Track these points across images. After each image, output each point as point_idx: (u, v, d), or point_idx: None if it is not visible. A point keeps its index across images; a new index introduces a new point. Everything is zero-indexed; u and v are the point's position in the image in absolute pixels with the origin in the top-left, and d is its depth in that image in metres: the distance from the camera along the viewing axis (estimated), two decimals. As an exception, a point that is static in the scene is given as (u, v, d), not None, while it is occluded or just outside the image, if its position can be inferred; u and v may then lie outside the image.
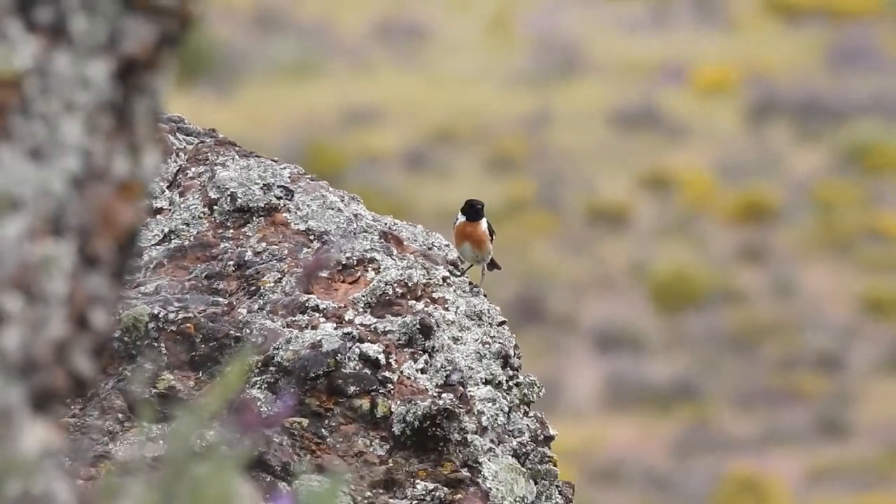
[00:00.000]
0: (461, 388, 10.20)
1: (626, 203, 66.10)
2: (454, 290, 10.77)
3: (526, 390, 10.84)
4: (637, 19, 74.06)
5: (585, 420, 56.52)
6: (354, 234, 10.89)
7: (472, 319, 10.65)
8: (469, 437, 10.12)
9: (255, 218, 10.88)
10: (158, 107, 6.16)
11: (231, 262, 10.79)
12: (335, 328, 10.23)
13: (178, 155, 11.12)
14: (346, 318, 10.31)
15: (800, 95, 71.68)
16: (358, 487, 10.00)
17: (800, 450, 57.80)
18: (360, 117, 66.42)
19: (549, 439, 10.80)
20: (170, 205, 10.95)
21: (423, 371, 10.22)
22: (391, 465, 10.07)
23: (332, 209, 11.14)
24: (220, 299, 10.58)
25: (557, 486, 10.89)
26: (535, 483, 10.52)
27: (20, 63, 5.72)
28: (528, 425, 10.60)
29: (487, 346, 10.56)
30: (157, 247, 10.84)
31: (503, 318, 11.16)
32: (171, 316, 10.35)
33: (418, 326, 10.38)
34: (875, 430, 57.00)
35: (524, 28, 70.60)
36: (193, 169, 11.14)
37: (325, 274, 10.56)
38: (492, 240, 11.76)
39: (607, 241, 63.63)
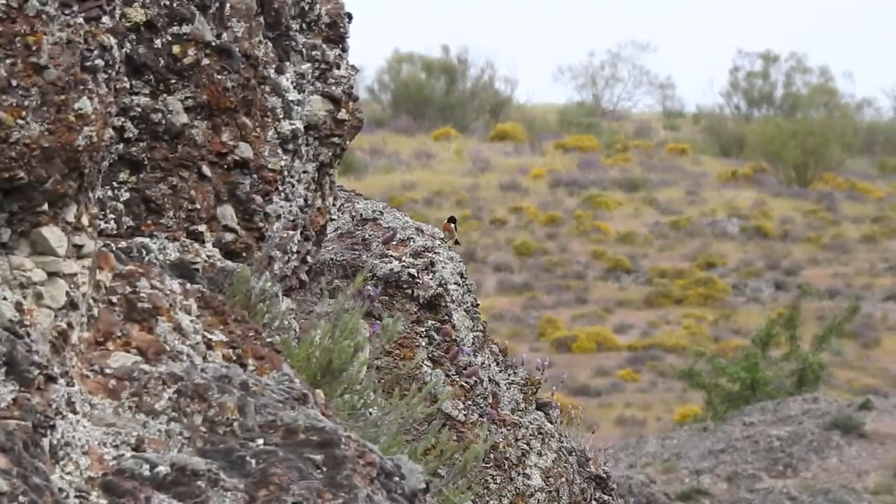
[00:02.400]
0: (445, 288, 13.57)
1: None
2: (443, 249, 14.13)
3: (472, 288, 14.29)
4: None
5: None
6: (404, 227, 14.08)
7: (450, 260, 14.06)
8: (449, 305, 13.56)
9: (368, 222, 14.06)
10: (334, 181, 10.43)
11: (359, 240, 13.73)
12: (399, 263, 13.53)
13: (338, 198, 13.01)
14: (403, 259, 13.58)
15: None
16: (406, 323, 12.75)
17: None
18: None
19: (477, 305, 14.22)
20: (336, 219, 13.32)
21: (431, 279, 13.51)
22: (419, 315, 13.32)
23: (397, 218, 14.40)
24: (355, 252, 13.48)
25: (492, 340, 14.41)
26: (476, 326, 13.79)
27: (282, 164, 9.34)
28: (470, 301, 13.89)
29: (458, 270, 14.03)
30: (331, 234, 12.75)
31: (462, 260, 14.39)
32: (338, 258, 13.21)
33: (430, 262, 13.76)
34: None
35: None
36: (346, 204, 14.04)
37: (394, 243, 13.70)
38: (456, 229, 15.38)
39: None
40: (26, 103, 7.36)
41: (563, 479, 12.83)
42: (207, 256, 8.46)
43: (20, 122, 7.34)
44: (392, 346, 11.54)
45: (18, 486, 6.61)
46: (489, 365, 13.44)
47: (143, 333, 7.71)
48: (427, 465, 8.64)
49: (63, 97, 7.48)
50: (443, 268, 13.62)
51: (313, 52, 9.63)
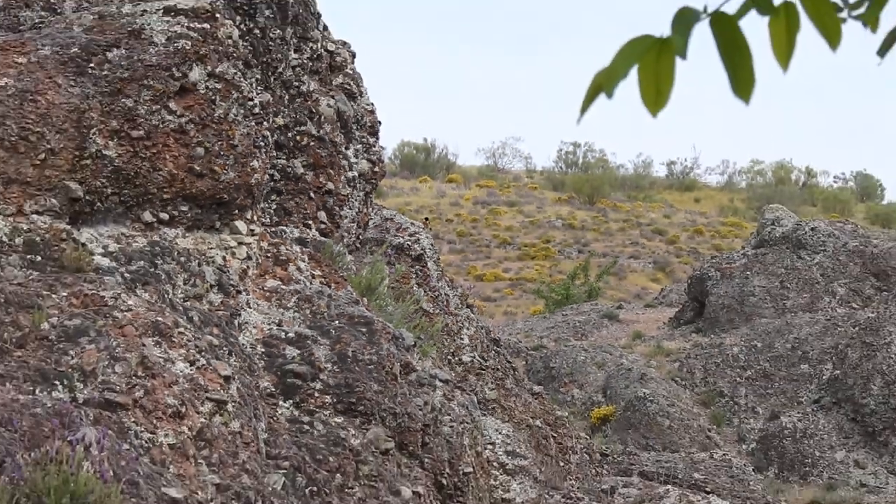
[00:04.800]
0: (424, 251, 12.42)
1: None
2: (423, 232, 12.75)
3: (436, 251, 15.01)
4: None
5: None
6: (404, 223, 12.80)
7: (426, 237, 12.79)
8: (426, 259, 12.44)
9: (388, 220, 12.76)
10: (372, 200, 9.84)
11: (384, 228, 12.44)
12: (402, 238, 12.31)
13: (374, 208, 11.09)
14: (404, 237, 12.33)
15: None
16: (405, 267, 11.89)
17: None
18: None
19: (439, 260, 16.76)
20: (373, 217, 11.05)
21: (418, 246, 12.27)
22: (412, 263, 12.21)
23: (402, 218, 13.20)
24: (382, 233, 12.25)
25: (446, 276, 18.79)
26: (438, 269, 12.88)
27: (348, 191, 13.85)
28: (436, 258, 13.21)
29: (430, 242, 12.89)
30: (371, 225, 11.16)
31: (431, 237, 13.16)
32: (374, 236, 11.72)
33: (416, 238, 12.49)
34: None
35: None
36: (377, 211, 12.09)
37: (399, 229, 12.50)
38: (428, 223, 14.67)
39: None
40: (228, 162, 7.39)
41: (478, 340, 12.74)
42: (313, 236, 8.25)
43: (225, 171, 7.33)
44: (399, 277, 11.07)
45: (224, 340, 6.67)
46: (445, 286, 13.02)
47: (282, 271, 7.55)
48: (414, 333, 8.50)
49: (245, 160, 7.42)
50: (423, 241, 12.89)
51: (362, 138, 9.57)
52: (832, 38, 1.70)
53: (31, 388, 5.51)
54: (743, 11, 1.70)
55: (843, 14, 1.76)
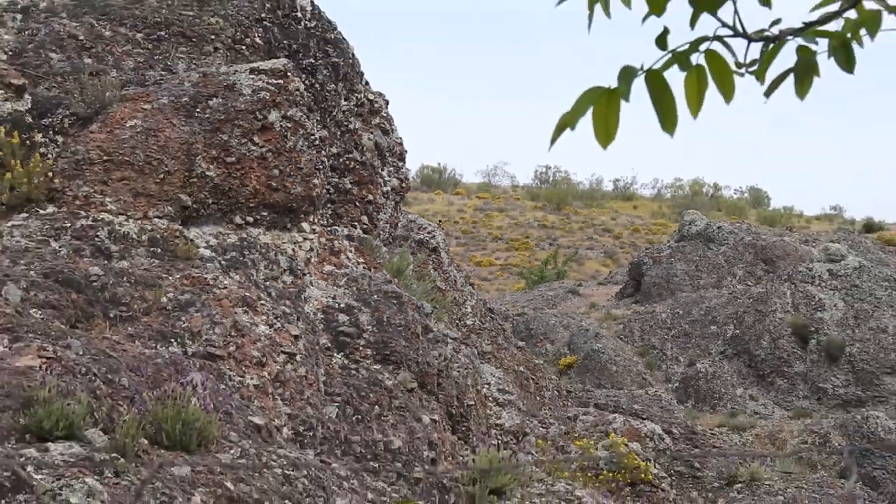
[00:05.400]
0: (438, 244, 11.90)
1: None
2: (438, 230, 12.30)
3: (447, 244, 16.99)
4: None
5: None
6: (424, 224, 12.29)
7: (440, 233, 12.17)
8: (440, 250, 11.79)
9: (412, 222, 12.02)
10: (401, 207, 10.51)
11: (409, 227, 11.72)
12: (422, 235, 11.83)
13: (403, 213, 10.50)
14: (423, 234, 11.82)
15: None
16: (424, 256, 11.54)
17: None
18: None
19: (448, 251, 17.39)
20: (400, 220, 10.40)
21: (433, 240, 11.76)
22: (429, 253, 11.38)
23: (422, 219, 12.56)
24: (407, 231, 11.63)
25: (455, 262, 17.86)
26: (449, 257, 14.55)
27: (383, 201, 13.33)
28: (447, 249, 16.99)
29: (443, 237, 12.29)
30: (400, 225, 10.24)
31: (443, 234, 13.73)
32: (401, 234, 10.83)
33: (433, 234, 11.83)
34: None
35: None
36: (405, 215, 11.39)
37: (420, 228, 11.93)
38: (441, 224, 13.71)
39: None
40: (296, 180, 7.20)
41: (478, 309, 12.62)
42: (358, 234, 8.09)
43: (294, 186, 7.15)
44: (420, 264, 10.84)
45: (293, 310, 6.48)
46: (453, 270, 12.89)
47: (335, 259, 7.42)
48: (431, 304, 8.45)
49: (308, 178, 7.27)
50: (437, 237, 12.61)
51: (393, 163, 9.41)
52: (727, 94, 1.74)
53: (154, 345, 5.49)
54: (667, 66, 1.71)
55: (742, 70, 1.77)
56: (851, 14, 1.74)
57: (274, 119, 7.08)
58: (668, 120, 1.70)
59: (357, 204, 8.47)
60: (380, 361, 6.68)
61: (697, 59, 1.70)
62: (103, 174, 6.42)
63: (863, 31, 1.73)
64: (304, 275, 6.99)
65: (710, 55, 1.70)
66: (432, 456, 6.37)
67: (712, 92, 1.73)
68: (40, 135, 6.56)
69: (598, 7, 1.71)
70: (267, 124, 7.06)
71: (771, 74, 1.78)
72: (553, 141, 1.72)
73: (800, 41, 1.74)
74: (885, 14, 1.72)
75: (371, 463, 5.92)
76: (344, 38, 8.52)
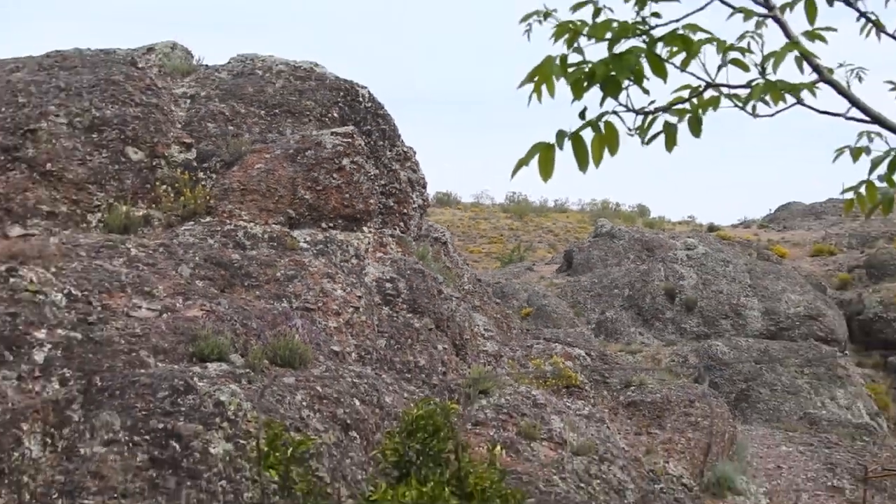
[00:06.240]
0: (447, 239, 9.31)
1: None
2: (447, 231, 9.51)
3: (452, 240, 9.47)
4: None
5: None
6: (446, 230, 9.50)
7: (447, 233, 9.53)
8: (448, 245, 9.20)
9: (431, 227, 9.15)
10: (423, 215, 7.98)
11: (429, 229, 8.87)
12: (441, 235, 9.26)
13: (424, 220, 8.58)
14: (436, 234, 9.17)
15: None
16: (435, 249, 8.71)
17: None
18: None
19: (453, 244, 9.71)
20: (422, 224, 8.46)
21: (443, 238, 9.21)
22: (439, 246, 9.14)
23: (437, 224, 9.70)
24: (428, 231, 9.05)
25: (458, 251, 10.00)
26: (455, 248, 9.43)
27: (413, 213, 11.16)
28: (453, 243, 9.34)
29: (448, 235, 9.50)
30: (423, 227, 8.62)
31: (449, 233, 9.45)
32: (424, 233, 8.65)
33: (444, 234, 9.39)
34: None
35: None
36: (424, 220, 8.91)
37: (434, 229, 8.97)
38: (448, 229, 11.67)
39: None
40: (358, 202, 6.96)
41: (472, 279, 12.23)
42: (398, 234, 7.87)
43: (358, 205, 6.93)
44: (436, 252, 10.27)
45: (358, 280, 6.35)
46: (456, 256, 12.50)
47: (383, 249, 7.24)
48: (443, 276, 8.10)
49: (367, 200, 7.08)
50: (446, 235, 11.26)
51: (418, 190, 9.13)
52: (612, 150, 1.74)
53: (272, 302, 5.48)
54: (582, 128, 1.73)
55: (632, 132, 1.79)
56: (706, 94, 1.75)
57: (345, 163, 6.95)
58: (582, 161, 1.73)
59: (397, 215, 8.25)
60: (411, 311, 6.57)
61: (602, 126, 1.73)
62: (241, 197, 6.44)
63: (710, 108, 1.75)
64: (364, 259, 6.89)
65: (607, 125, 1.73)
66: (444, 370, 6.25)
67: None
68: (202, 173, 6.69)
69: (544, 87, 1.70)
70: (341, 166, 6.92)
71: (654, 130, 1.78)
72: (513, 174, 1.72)
73: (667, 116, 1.78)
74: (723, 94, 1.73)
75: (406, 374, 5.84)
76: (388, 113, 8.50)
